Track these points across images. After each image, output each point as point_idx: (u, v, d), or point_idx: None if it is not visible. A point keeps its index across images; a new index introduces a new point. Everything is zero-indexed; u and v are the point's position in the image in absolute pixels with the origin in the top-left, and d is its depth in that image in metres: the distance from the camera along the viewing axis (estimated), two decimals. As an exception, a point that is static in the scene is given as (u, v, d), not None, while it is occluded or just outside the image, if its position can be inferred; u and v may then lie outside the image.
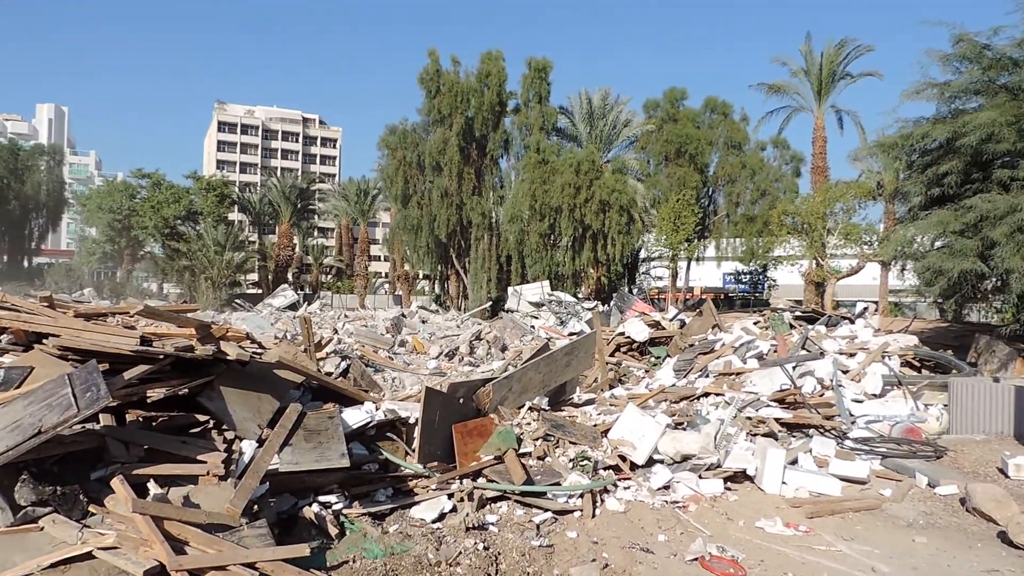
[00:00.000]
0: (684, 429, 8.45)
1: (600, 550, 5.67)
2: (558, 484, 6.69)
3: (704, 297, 34.16)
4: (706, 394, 10.56)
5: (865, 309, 15.75)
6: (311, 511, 5.57)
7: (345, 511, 5.81)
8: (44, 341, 5.88)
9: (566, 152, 39.77)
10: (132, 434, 5.37)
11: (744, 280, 45.02)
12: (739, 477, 7.49)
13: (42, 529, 4.50)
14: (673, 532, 6.11)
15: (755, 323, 15.14)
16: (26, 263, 65.75)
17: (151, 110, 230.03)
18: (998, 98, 13.41)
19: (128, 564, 4.14)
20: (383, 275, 74.86)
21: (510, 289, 32.56)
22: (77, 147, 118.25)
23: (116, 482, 4.55)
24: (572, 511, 6.41)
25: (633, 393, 11.31)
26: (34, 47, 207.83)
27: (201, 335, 6.07)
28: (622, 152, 43.67)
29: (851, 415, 9.75)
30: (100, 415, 5.41)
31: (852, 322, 14.78)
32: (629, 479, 7.22)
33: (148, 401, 5.55)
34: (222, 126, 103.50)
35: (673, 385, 11.76)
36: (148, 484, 4.83)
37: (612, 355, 14.84)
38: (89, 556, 4.30)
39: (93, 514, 4.67)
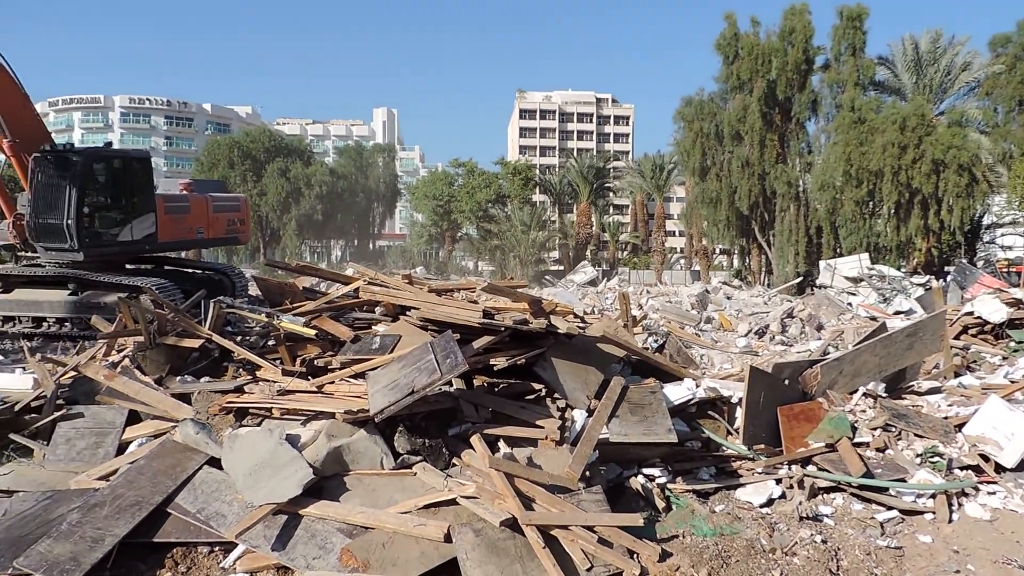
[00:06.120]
0: (1067, 430, 7.02)
1: (963, 561, 4.98)
2: (904, 480, 6.00)
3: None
4: (1095, 389, 8.65)
5: None
6: (637, 482, 5.70)
7: (669, 486, 5.85)
8: (407, 313, 6.82)
9: (887, 107, 35.22)
10: (480, 397, 5.98)
11: None
12: None
13: (415, 475, 5.23)
14: (1063, 552, 5.12)
15: None
16: (371, 245, 77.62)
17: (462, 104, 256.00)
18: None
19: (487, 514, 4.63)
20: (678, 250, 74.01)
21: (822, 263, 29.88)
22: (405, 143, 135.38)
23: (476, 439, 5.11)
24: (922, 512, 5.71)
25: (988, 383, 9.68)
26: (368, 54, 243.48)
27: (534, 309, 6.53)
28: (959, 101, 37.44)
29: None
30: (453, 379, 6.12)
31: None
32: (995, 483, 6.21)
33: (493, 368, 6.12)
34: (523, 113, 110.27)
35: (1044, 376, 9.83)
36: (499, 443, 5.35)
37: (956, 338, 12.87)
38: (453, 502, 4.90)
39: (454, 465, 5.31)
